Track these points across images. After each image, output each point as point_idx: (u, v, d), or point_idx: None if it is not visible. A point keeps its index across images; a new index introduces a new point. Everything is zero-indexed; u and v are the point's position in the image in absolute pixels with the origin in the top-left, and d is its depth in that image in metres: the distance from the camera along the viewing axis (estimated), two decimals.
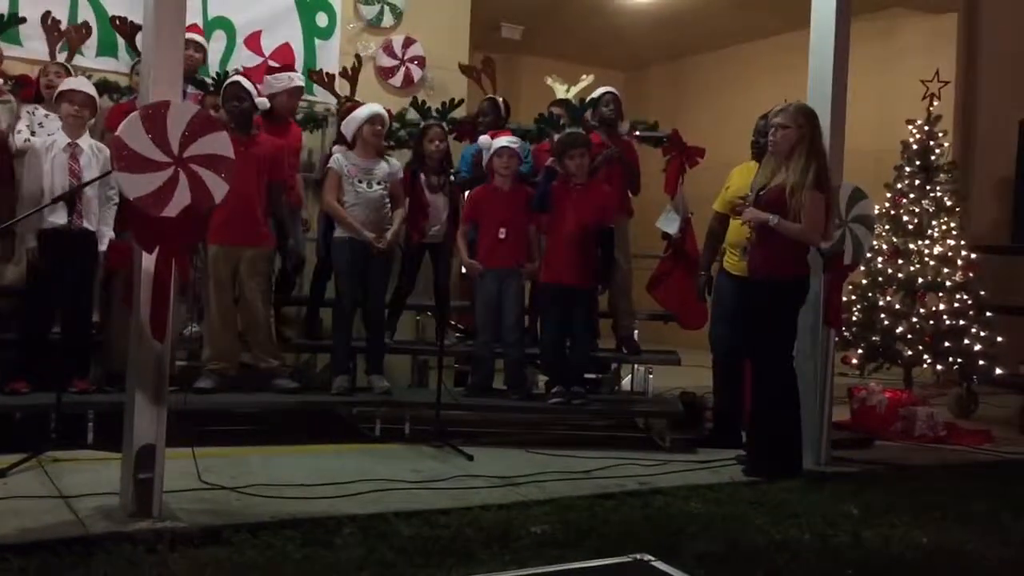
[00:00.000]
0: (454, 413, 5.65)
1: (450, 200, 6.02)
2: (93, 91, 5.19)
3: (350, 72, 6.72)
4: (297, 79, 6.20)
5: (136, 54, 6.01)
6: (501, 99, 6.73)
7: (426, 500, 4.19)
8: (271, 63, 6.80)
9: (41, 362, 4.99)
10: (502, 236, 5.73)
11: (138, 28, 6.03)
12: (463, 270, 6.13)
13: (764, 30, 10.64)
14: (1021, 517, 4.42)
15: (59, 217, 4.85)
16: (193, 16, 6.55)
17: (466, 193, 6.12)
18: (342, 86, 6.72)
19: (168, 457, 3.85)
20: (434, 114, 6.55)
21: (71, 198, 4.54)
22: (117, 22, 6.07)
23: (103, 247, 5.06)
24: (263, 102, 5.50)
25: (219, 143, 3.75)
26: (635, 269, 6.52)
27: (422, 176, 5.95)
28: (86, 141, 5.10)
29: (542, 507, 4.22)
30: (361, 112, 5.72)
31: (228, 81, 5.55)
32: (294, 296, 6.10)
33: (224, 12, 6.73)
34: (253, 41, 6.84)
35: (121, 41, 6.23)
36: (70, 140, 5.04)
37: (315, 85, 6.68)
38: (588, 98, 6.46)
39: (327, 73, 6.75)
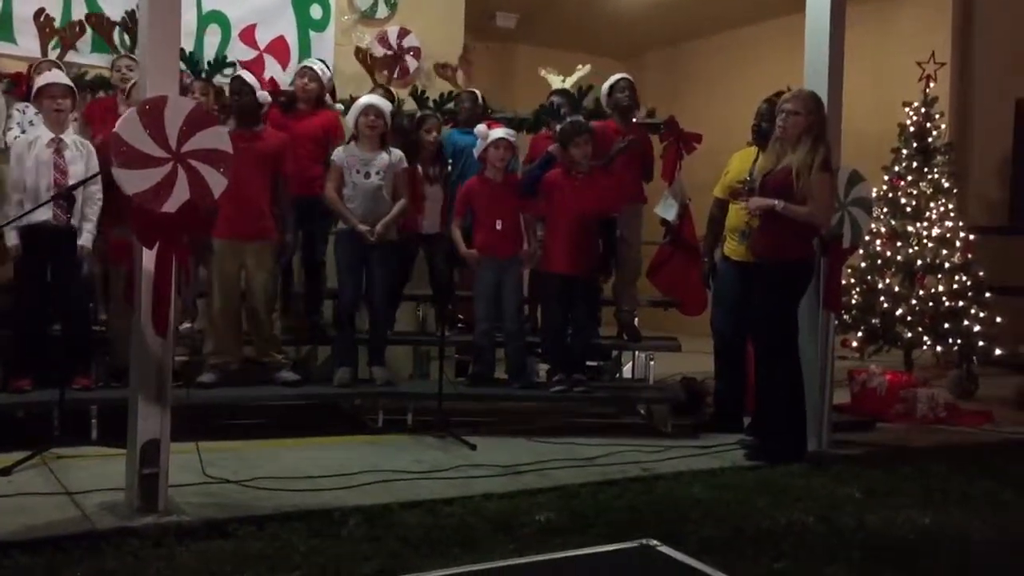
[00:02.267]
0: (456, 403, 5.66)
1: (444, 191, 6.03)
2: (70, 83, 5.14)
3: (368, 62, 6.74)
4: (307, 62, 6.24)
5: (114, 51, 6.00)
6: (478, 92, 6.73)
7: (430, 490, 4.21)
8: (266, 56, 6.80)
9: (43, 359, 4.99)
10: (498, 227, 5.73)
11: (115, 25, 6.05)
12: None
13: (759, 14, 10.63)
14: (1022, 498, 4.44)
15: (41, 213, 4.83)
16: (187, 10, 6.53)
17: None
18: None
19: (172, 452, 3.86)
20: (430, 105, 6.55)
21: (69, 195, 4.54)
22: (93, 19, 6.06)
23: (82, 241, 5.03)
24: (264, 95, 5.49)
25: (217, 138, 3.76)
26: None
27: (418, 167, 5.96)
28: (70, 136, 5.06)
29: (546, 495, 4.24)
30: (357, 103, 5.73)
31: (231, 76, 5.54)
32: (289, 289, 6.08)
33: (218, 6, 6.72)
34: (248, 35, 6.83)
35: (116, 37, 6.21)
36: (53, 136, 5.00)
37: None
38: (606, 85, 6.42)
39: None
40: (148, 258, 3.65)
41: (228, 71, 5.94)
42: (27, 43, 6.04)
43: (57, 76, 5.12)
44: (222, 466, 4.39)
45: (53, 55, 5.95)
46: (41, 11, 5.99)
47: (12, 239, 4.96)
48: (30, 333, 5.05)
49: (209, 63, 6.16)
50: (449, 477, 4.45)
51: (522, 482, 4.43)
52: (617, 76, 6.44)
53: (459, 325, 6.38)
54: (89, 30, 6.26)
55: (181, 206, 3.66)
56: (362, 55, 6.79)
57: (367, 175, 5.57)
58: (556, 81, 7.09)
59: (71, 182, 4.80)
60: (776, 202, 4.86)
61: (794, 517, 4.00)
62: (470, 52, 7.21)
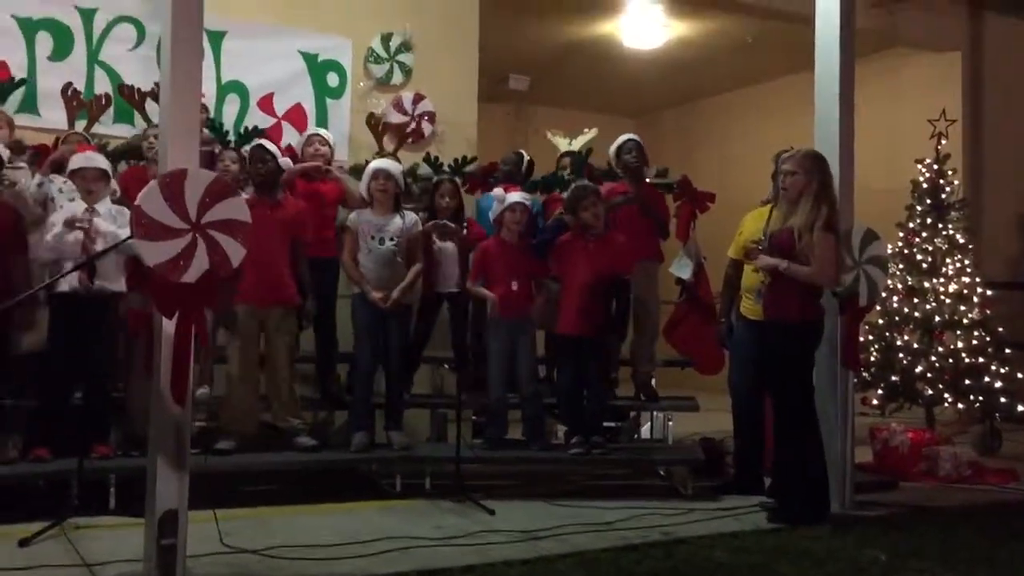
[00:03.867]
0: (474, 466, 5.63)
1: (460, 248, 6.07)
2: (104, 164, 5.23)
3: (379, 128, 6.84)
4: (311, 130, 6.41)
5: (146, 121, 6.11)
6: (527, 156, 6.81)
7: (450, 558, 4.17)
8: (284, 123, 6.91)
9: (62, 428, 5.01)
10: (514, 288, 5.76)
11: (146, 96, 6.17)
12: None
13: (771, 72, 10.76)
14: None
15: (69, 281, 4.89)
16: (207, 80, 6.65)
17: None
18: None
19: (190, 521, 3.86)
20: (446, 169, 6.62)
21: (90, 264, 4.59)
22: (125, 91, 6.18)
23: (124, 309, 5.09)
24: (286, 162, 5.58)
25: (236, 208, 3.81)
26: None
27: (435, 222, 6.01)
28: (104, 206, 5.11)
29: (566, 562, 4.19)
30: (367, 169, 5.82)
31: (252, 144, 5.64)
32: (304, 353, 6.09)
33: (237, 76, 6.84)
34: (266, 103, 6.94)
35: (149, 107, 6.32)
36: (87, 206, 5.05)
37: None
38: (614, 146, 6.50)
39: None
40: (167, 328, 3.69)
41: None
42: (51, 115, 6.16)
43: (91, 159, 5.18)
44: (240, 535, 4.37)
45: (80, 127, 6.06)
46: (68, 85, 6.12)
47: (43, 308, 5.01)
48: (53, 402, 5.07)
49: (239, 133, 6.26)
50: (468, 544, 4.41)
51: (542, 548, 4.38)
52: (625, 137, 6.52)
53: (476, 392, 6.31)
54: (114, 101, 6.39)
55: (200, 276, 3.70)
56: (374, 121, 6.89)
57: (381, 240, 5.62)
58: (563, 144, 7.16)
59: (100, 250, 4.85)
60: (780, 262, 4.89)
61: None
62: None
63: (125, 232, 4.82)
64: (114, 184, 5.35)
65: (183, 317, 3.65)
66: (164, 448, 3.71)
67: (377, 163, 5.86)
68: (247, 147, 5.74)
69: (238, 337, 5.40)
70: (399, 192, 5.73)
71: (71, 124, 6.01)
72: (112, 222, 5.04)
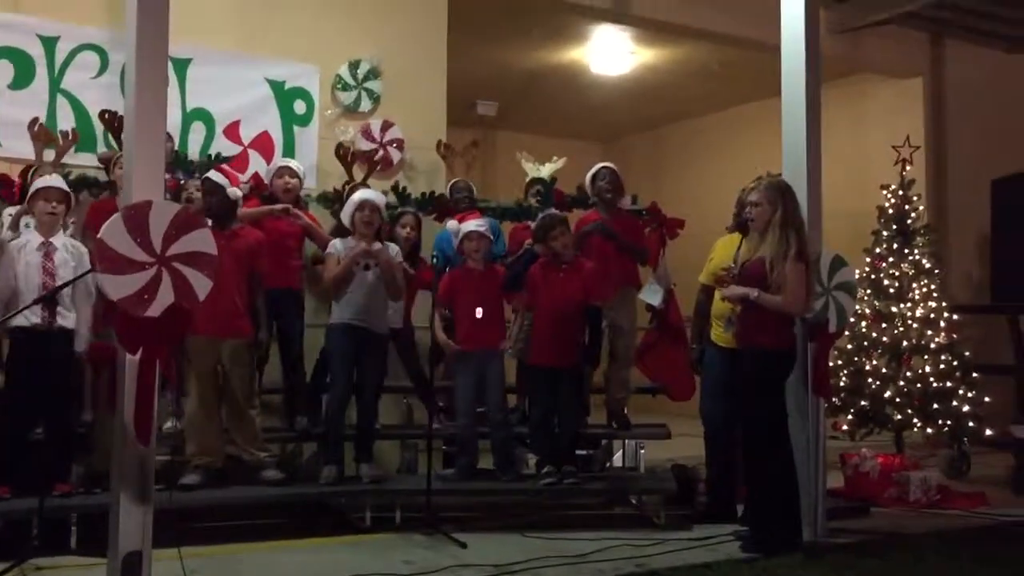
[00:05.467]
0: (446, 498, 5.56)
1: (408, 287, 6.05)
2: (66, 187, 5.17)
3: (348, 159, 6.79)
4: (280, 161, 6.30)
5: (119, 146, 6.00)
6: (472, 184, 6.83)
7: None
8: (250, 151, 6.84)
9: (22, 465, 4.88)
10: (479, 316, 5.72)
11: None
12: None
13: (738, 99, 10.85)
14: None
15: (28, 317, 4.80)
16: (172, 107, 6.54)
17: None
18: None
19: (154, 558, 3.77)
20: (411, 202, 6.60)
21: (51, 299, 4.50)
22: (107, 116, 6.07)
23: (79, 348, 5.01)
24: (235, 192, 5.50)
25: (201, 240, 3.76)
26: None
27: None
28: (60, 240, 5.06)
29: None
30: (352, 198, 5.77)
31: (203, 177, 5.58)
32: (264, 386, 6.00)
33: (202, 103, 6.75)
34: (232, 131, 6.85)
35: (99, 136, 6.22)
36: (43, 239, 5.01)
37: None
38: (589, 174, 6.49)
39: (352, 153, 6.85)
40: (131, 364, 3.61)
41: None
42: (13, 145, 6.03)
43: (54, 180, 5.14)
44: (206, 573, 4.28)
45: (48, 157, 5.94)
46: (35, 120, 5.99)
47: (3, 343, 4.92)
48: (13, 439, 4.94)
49: (202, 163, 6.18)
50: None
51: None
52: (599, 165, 6.51)
53: (441, 415, 6.26)
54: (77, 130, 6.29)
55: (165, 310, 3.63)
56: (343, 151, 6.84)
57: (366, 267, 5.56)
58: (532, 169, 7.15)
59: (59, 284, 4.77)
60: (751, 291, 4.90)
61: None
62: (475, 143, 7.32)
63: (80, 270, 4.77)
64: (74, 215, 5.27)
65: (147, 353, 3.57)
66: (127, 488, 3.62)
67: (364, 194, 5.78)
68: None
69: (194, 369, 5.31)
70: (381, 224, 5.69)
71: (38, 157, 5.89)
72: (70, 258, 4.96)
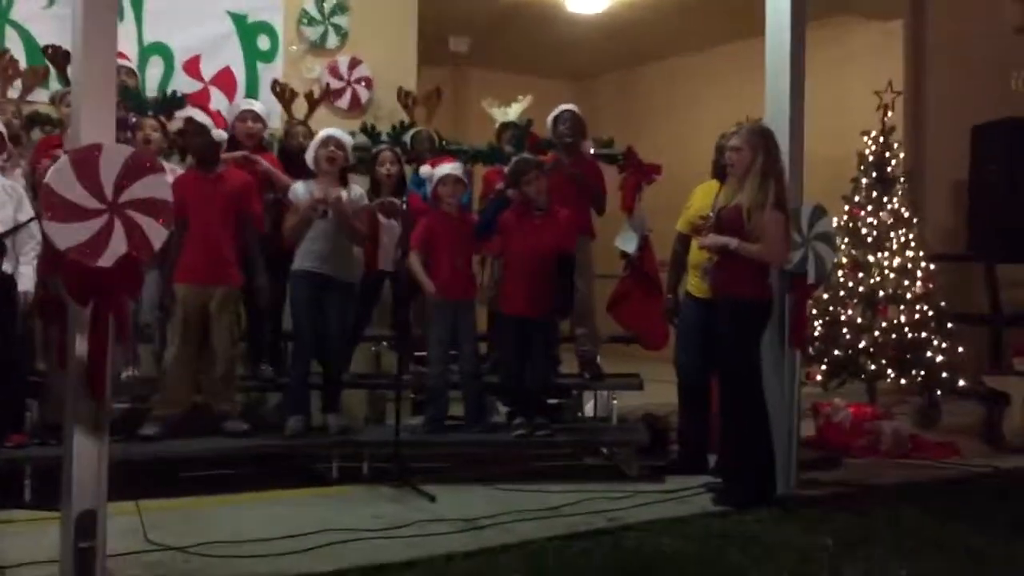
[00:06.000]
0: (414, 449, 5.45)
1: (403, 226, 5.84)
2: (1, 127, 4.91)
3: (284, 96, 6.47)
4: (244, 103, 6.00)
5: (67, 84, 5.72)
6: (433, 133, 6.57)
7: (390, 552, 4.00)
8: (212, 89, 6.57)
9: None
10: (457, 267, 5.55)
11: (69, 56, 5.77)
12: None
13: (716, 38, 10.60)
14: (994, 540, 4.35)
15: None
16: (127, 41, 6.31)
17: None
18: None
19: (111, 513, 3.62)
20: (384, 138, 6.35)
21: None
22: (50, 51, 5.77)
23: (24, 287, 4.79)
24: (220, 134, 5.25)
25: (157, 186, 3.53)
26: (595, 290, 6.35)
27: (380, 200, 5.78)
28: None
29: (511, 553, 4.05)
30: (316, 136, 5.54)
31: (184, 117, 5.32)
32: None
33: (160, 37, 6.48)
34: (192, 66, 6.60)
35: (53, 71, 5.93)
36: None
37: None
38: (550, 117, 6.26)
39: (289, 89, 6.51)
40: (82, 317, 3.41)
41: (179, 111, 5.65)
42: None
43: None
44: (166, 529, 4.15)
45: (12, 94, 5.65)
46: (4, 52, 5.69)
47: None
48: None
49: (158, 100, 5.88)
50: (408, 536, 4.24)
51: (485, 538, 4.23)
52: (561, 108, 6.26)
53: (418, 367, 6.10)
54: (25, 63, 5.99)
55: (117, 260, 3.43)
56: (279, 88, 6.49)
57: (324, 213, 5.35)
58: (499, 114, 6.92)
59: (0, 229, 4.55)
60: (730, 240, 4.78)
61: (767, 572, 3.86)
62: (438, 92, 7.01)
63: (20, 212, 4.54)
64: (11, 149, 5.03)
65: (99, 306, 3.38)
66: (80, 446, 3.45)
67: (329, 130, 5.55)
68: (174, 115, 5.42)
69: (178, 319, 5.12)
70: (346, 164, 5.46)
71: (3, 93, 5.60)
72: (9, 200, 4.72)
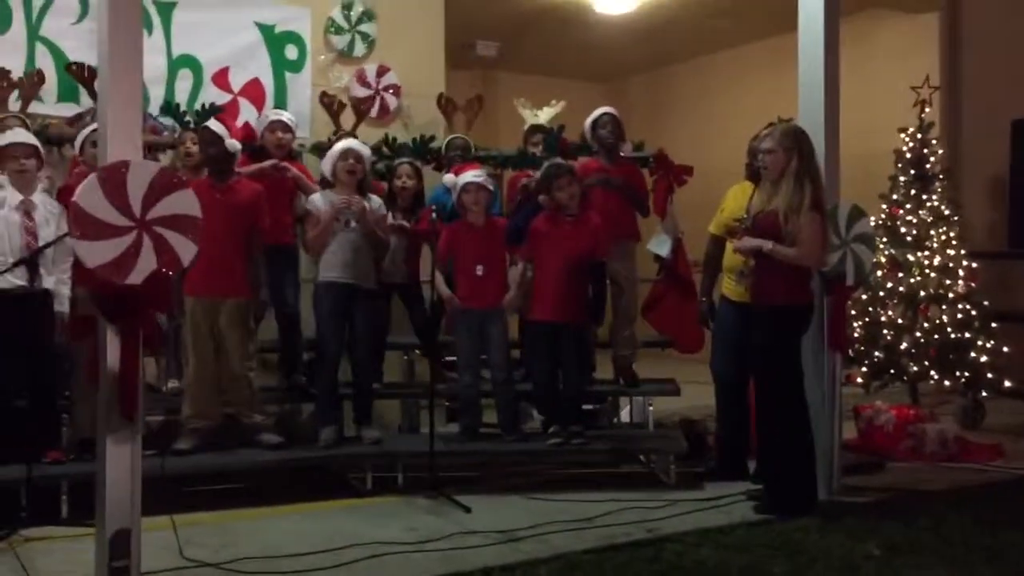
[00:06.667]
0: (449, 459, 5.40)
1: (409, 240, 5.83)
2: (34, 140, 4.93)
3: (334, 107, 6.49)
4: (272, 114, 5.98)
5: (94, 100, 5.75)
6: (470, 140, 6.56)
7: (424, 566, 3.96)
8: (241, 100, 6.57)
9: (9, 432, 4.71)
10: (479, 273, 5.50)
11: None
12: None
13: (746, 37, 10.49)
14: None
15: (15, 278, 4.60)
16: (157, 55, 6.31)
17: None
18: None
19: (146, 528, 3.62)
20: (407, 150, 6.33)
21: (32, 260, 4.30)
22: (74, 67, 5.79)
23: (61, 307, 4.81)
24: (233, 144, 5.23)
25: (185, 202, 3.52)
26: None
27: (389, 215, 5.74)
28: (39, 197, 4.85)
29: (547, 566, 3.98)
30: (335, 147, 5.51)
31: (201, 126, 5.32)
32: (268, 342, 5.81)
33: (189, 49, 6.48)
34: (221, 78, 6.59)
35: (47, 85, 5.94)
36: (23, 197, 4.78)
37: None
38: (589, 120, 6.20)
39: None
40: (112, 335, 3.40)
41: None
42: None
43: (19, 135, 4.90)
44: (201, 544, 4.14)
45: (16, 108, 5.67)
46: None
47: None
48: None
49: (197, 112, 5.89)
50: (443, 548, 4.19)
51: (521, 551, 4.17)
52: (600, 111, 6.20)
53: (451, 374, 6.08)
54: (55, 79, 6.02)
55: (147, 276, 3.42)
56: (327, 99, 6.51)
57: (347, 223, 5.33)
58: (529, 116, 6.87)
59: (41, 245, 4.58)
60: (765, 243, 4.67)
61: None
62: (479, 99, 7.01)
63: (61, 231, 4.57)
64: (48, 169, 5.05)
65: (130, 323, 3.36)
66: (113, 464, 3.43)
67: (347, 143, 5.53)
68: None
69: (190, 332, 5.12)
70: (364, 175, 5.44)
71: (3, 104, 5.63)
72: (51, 217, 4.74)
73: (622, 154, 6.33)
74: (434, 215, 5.48)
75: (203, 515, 4.65)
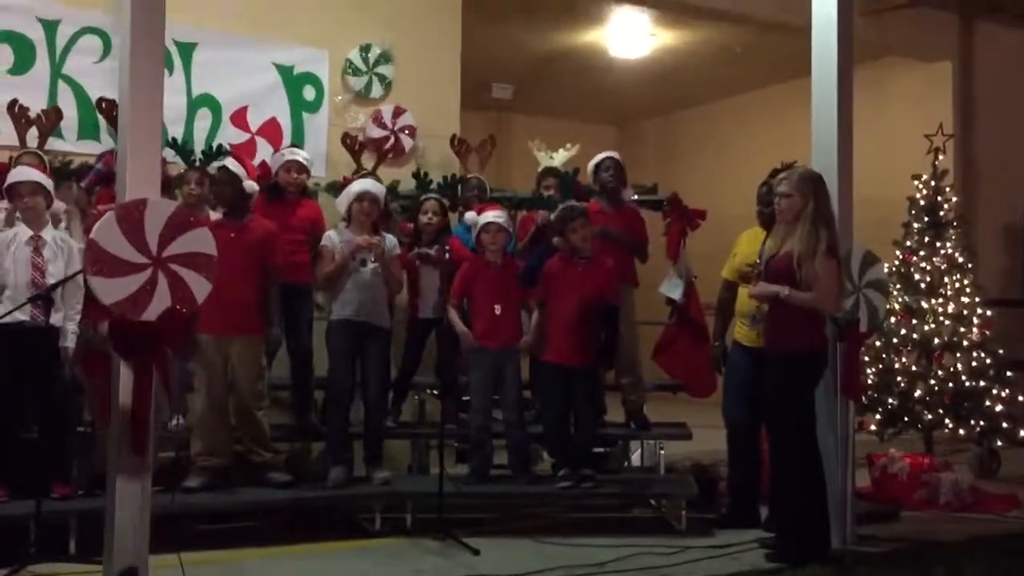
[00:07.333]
0: (458, 500, 5.37)
1: (443, 273, 5.83)
2: (39, 177, 4.95)
3: (355, 148, 6.57)
4: (288, 153, 6.02)
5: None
6: (484, 180, 6.58)
7: None
8: (258, 139, 6.63)
9: (18, 467, 4.71)
10: (497, 312, 5.51)
11: None
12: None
13: (758, 82, 10.58)
14: None
15: (19, 313, 4.62)
16: (177, 94, 6.39)
17: None
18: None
19: (154, 567, 3.60)
20: (433, 188, 6.36)
21: (47, 296, 4.33)
22: (104, 105, 5.85)
23: (66, 343, 4.82)
24: (251, 185, 5.28)
25: (200, 240, 3.56)
26: (640, 337, 6.25)
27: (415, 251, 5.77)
28: (49, 233, 4.88)
29: None
30: (351, 188, 5.55)
31: (218, 165, 5.37)
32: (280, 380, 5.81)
33: (208, 89, 6.56)
34: (239, 117, 6.66)
35: (102, 123, 6.01)
36: (32, 233, 4.82)
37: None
38: (592, 163, 6.25)
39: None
40: (126, 372, 3.41)
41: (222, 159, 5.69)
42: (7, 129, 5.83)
43: (24, 173, 4.92)
44: None
45: (33, 144, 5.72)
46: (15, 101, 5.75)
47: None
48: (5, 439, 4.77)
49: (204, 152, 5.95)
50: None
51: None
52: (603, 155, 6.24)
53: (463, 414, 6.04)
54: (76, 116, 6.09)
55: (162, 313, 3.44)
56: (349, 140, 6.60)
57: (363, 262, 5.35)
58: (544, 158, 6.91)
59: (50, 281, 4.60)
60: (781, 289, 4.65)
61: None
62: (492, 140, 7.07)
63: (71, 267, 4.58)
64: (59, 205, 5.08)
65: (143, 361, 3.38)
66: (122, 502, 3.43)
67: (363, 184, 5.57)
68: (214, 165, 5.47)
69: (202, 368, 5.12)
70: (379, 216, 5.48)
71: (23, 142, 5.69)
72: (60, 253, 4.78)
73: (635, 197, 6.36)
74: (447, 249, 5.50)
75: (211, 553, 4.63)
